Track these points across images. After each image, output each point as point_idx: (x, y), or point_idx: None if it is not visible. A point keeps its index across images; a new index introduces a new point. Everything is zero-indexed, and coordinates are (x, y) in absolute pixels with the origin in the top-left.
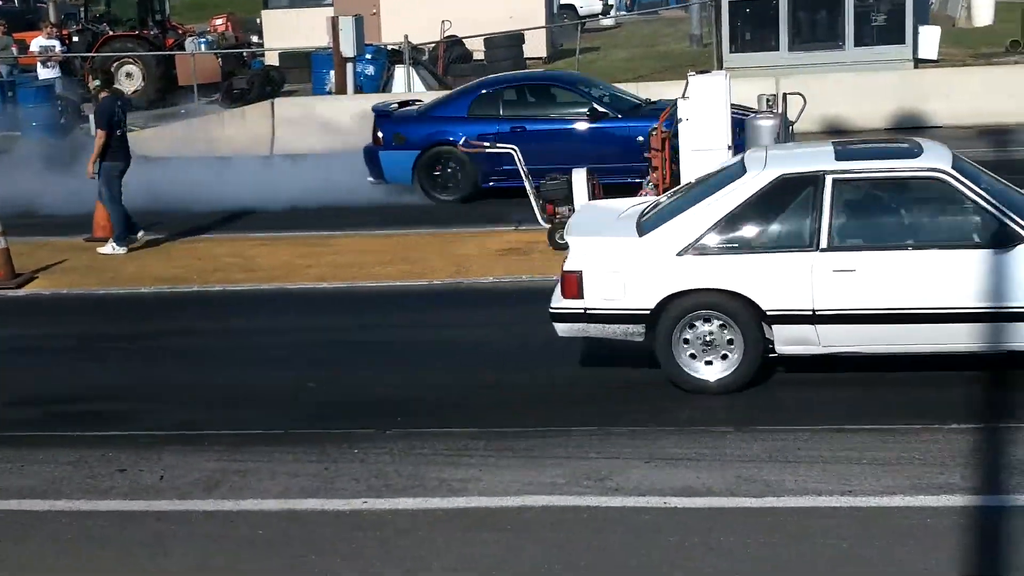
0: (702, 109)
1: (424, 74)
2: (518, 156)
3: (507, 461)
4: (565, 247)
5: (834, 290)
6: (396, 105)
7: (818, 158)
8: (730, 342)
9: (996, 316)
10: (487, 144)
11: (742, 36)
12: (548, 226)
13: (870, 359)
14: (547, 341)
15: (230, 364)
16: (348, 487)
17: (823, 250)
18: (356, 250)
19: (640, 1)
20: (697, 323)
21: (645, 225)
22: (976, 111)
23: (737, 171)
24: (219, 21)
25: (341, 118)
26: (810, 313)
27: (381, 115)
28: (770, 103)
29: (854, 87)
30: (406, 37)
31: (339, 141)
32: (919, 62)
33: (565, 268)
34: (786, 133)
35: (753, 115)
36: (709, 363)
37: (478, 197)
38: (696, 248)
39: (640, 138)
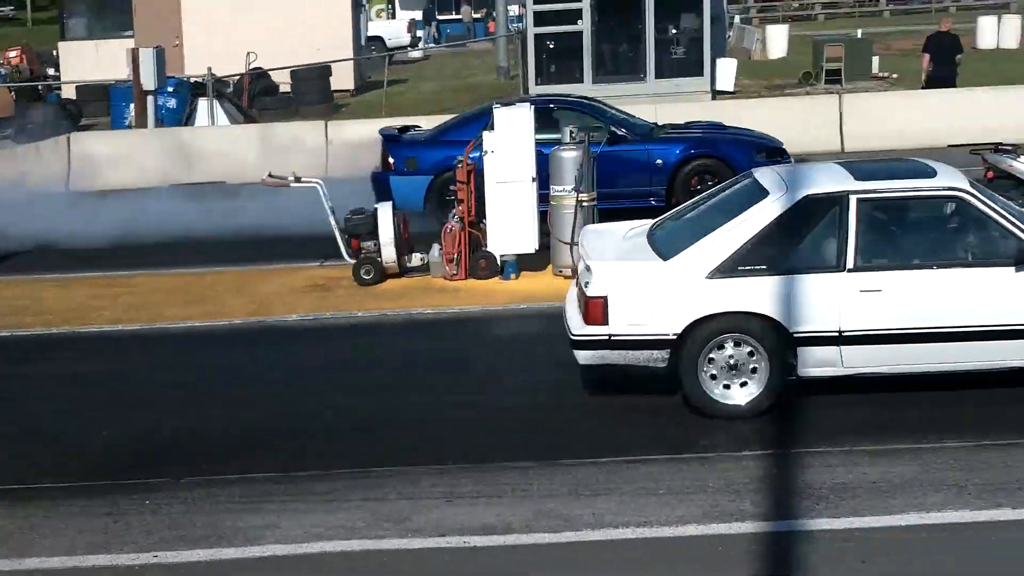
0: (507, 141)
1: (228, 107)
2: (323, 191)
3: (307, 505)
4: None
5: (860, 311)
6: (397, 130)
7: (836, 178)
8: (753, 369)
9: (1021, 333)
10: (290, 179)
11: (548, 68)
12: (353, 261)
13: (888, 379)
14: (346, 378)
15: (18, 413)
16: (139, 540)
17: (850, 271)
18: (154, 290)
19: (448, 33)
20: (725, 347)
21: (665, 248)
22: None
23: (754, 192)
24: (13, 53)
25: (140, 152)
26: (836, 335)
27: (390, 139)
28: (573, 135)
29: (655, 118)
30: (209, 69)
31: (139, 176)
32: (717, 93)
33: (589, 294)
34: (589, 164)
35: (557, 146)
36: (728, 387)
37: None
38: (724, 271)
39: (660, 161)
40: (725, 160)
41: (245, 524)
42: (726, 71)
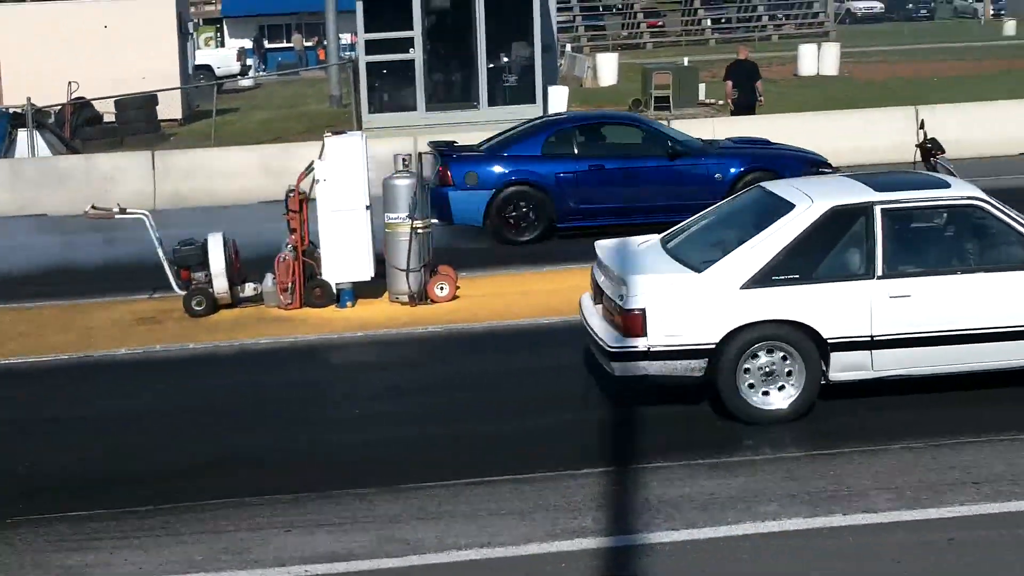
0: (339, 169)
1: (50, 138)
2: (150, 222)
3: (141, 541)
4: (203, 314)
5: (891, 316)
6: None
7: (855, 190)
8: (788, 372)
9: None
10: (115, 210)
11: (380, 97)
12: (183, 292)
13: (917, 380)
14: (179, 413)
15: None
16: None
17: (879, 277)
18: None
19: (279, 61)
20: (759, 355)
21: (694, 261)
22: None
23: (776, 205)
24: None
25: None
26: (868, 339)
27: (446, 155)
28: (406, 162)
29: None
30: (29, 99)
31: None
32: None
33: (628, 307)
34: (423, 192)
35: (389, 175)
36: (767, 393)
37: (546, 237)
38: (759, 281)
39: (719, 175)
40: (779, 173)
41: (75, 562)
42: (558, 98)
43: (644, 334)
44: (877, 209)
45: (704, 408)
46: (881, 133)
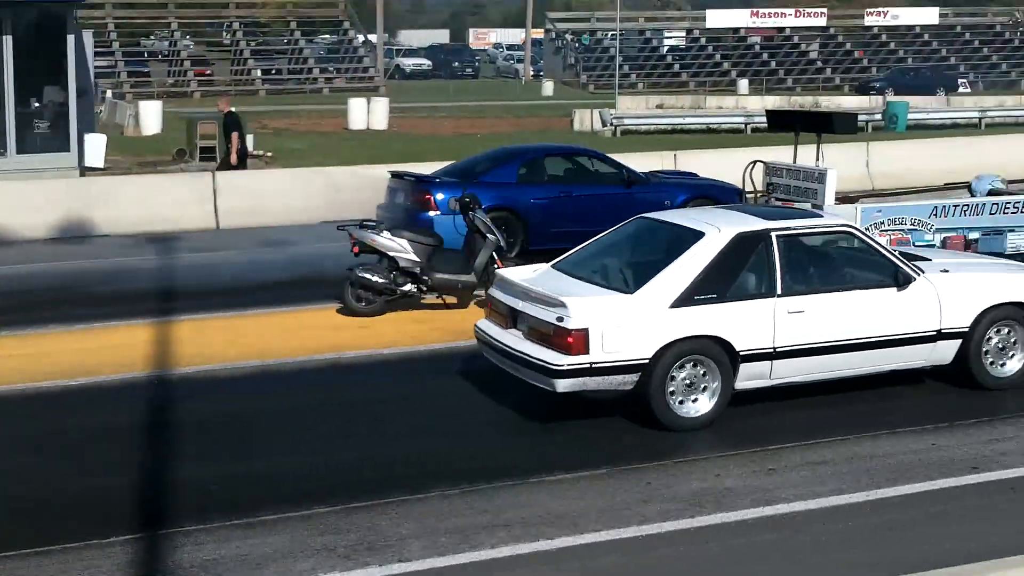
0: None
1: None
2: None
3: None
4: None
5: (789, 330)
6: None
7: (750, 220)
8: (704, 387)
9: (904, 341)
10: None
11: None
12: None
13: (802, 387)
14: None
15: None
16: None
17: (779, 296)
18: None
19: None
20: (684, 367)
21: (617, 283)
22: (141, 219)
23: (684, 233)
24: None
25: None
26: (771, 351)
27: (425, 181)
28: None
29: (18, 195)
30: None
31: None
32: (86, 170)
33: (570, 327)
34: None
35: None
36: (691, 401)
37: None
38: (684, 301)
39: (668, 202)
40: (717, 200)
41: None
42: (95, 147)
43: (587, 351)
44: (773, 235)
45: (241, 467)
46: None
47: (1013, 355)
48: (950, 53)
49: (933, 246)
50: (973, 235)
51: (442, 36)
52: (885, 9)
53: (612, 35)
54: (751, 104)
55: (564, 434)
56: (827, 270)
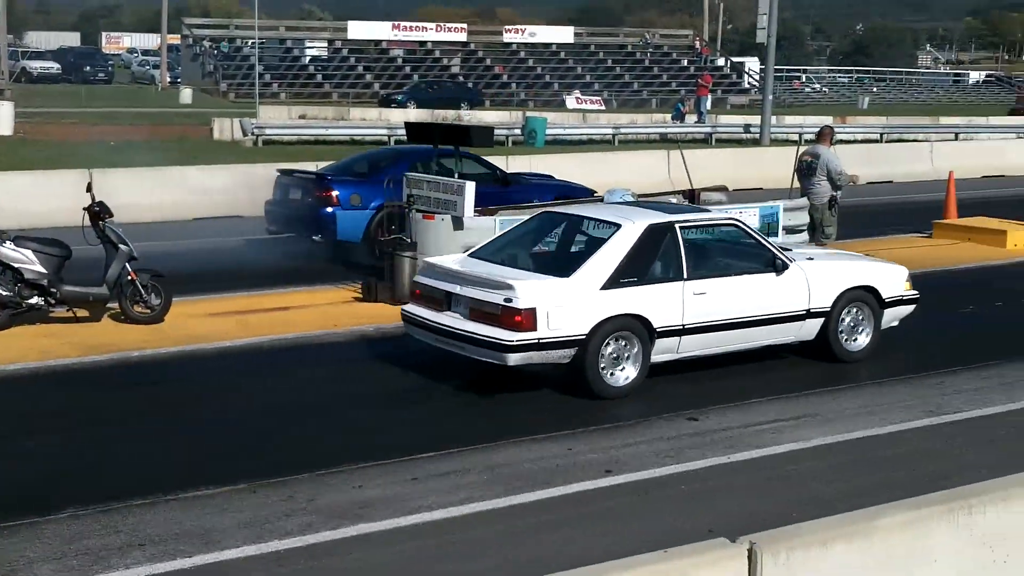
0: None
1: None
2: None
3: None
4: None
5: (694, 309)
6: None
7: (652, 213)
8: (628, 358)
9: (783, 319)
10: None
11: None
12: None
13: (701, 359)
14: None
15: None
16: None
17: (685, 279)
18: None
19: None
20: (611, 342)
21: (546, 269)
22: None
23: (602, 225)
24: None
25: None
26: (680, 327)
27: (324, 178)
28: None
29: None
30: None
31: None
32: None
33: (520, 306)
34: None
35: None
36: (616, 373)
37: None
38: (612, 283)
39: (537, 199)
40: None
41: None
42: None
43: (535, 328)
44: (677, 226)
45: None
46: (54, 196)
47: (862, 332)
48: (584, 71)
49: None
50: None
51: (72, 39)
52: (523, 27)
53: (252, 43)
54: (394, 116)
55: (203, 448)
56: (721, 257)
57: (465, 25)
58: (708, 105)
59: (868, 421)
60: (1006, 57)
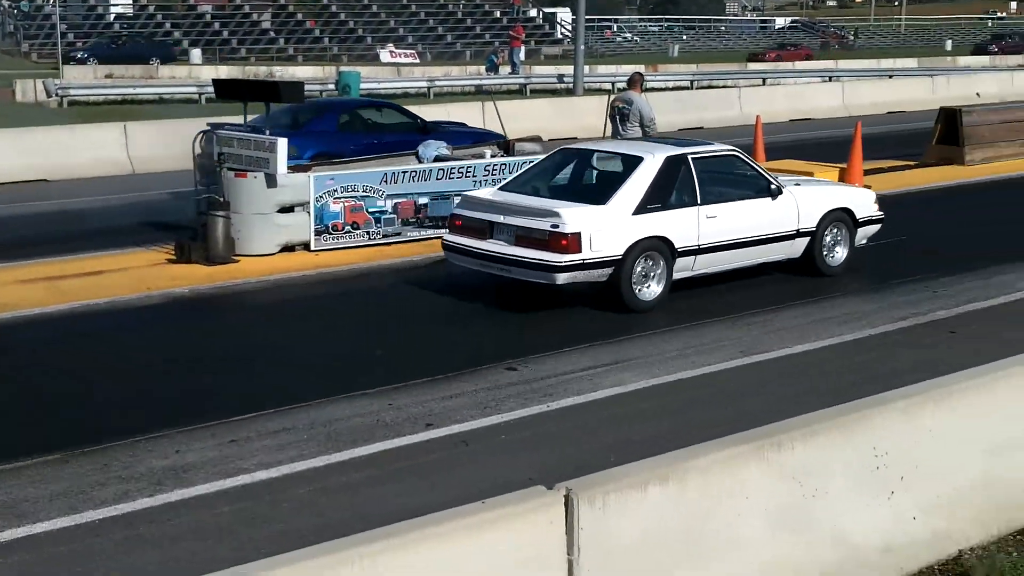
0: None
1: None
2: None
3: None
4: None
5: (707, 231)
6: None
7: (667, 147)
8: (655, 276)
9: (777, 239)
10: None
11: None
12: None
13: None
14: None
15: None
16: None
17: (699, 204)
18: None
19: None
20: (641, 261)
21: (581, 198)
22: None
23: (627, 158)
24: None
25: None
26: (696, 247)
27: (254, 130)
28: None
29: None
30: None
31: None
32: None
33: (567, 231)
34: None
35: None
36: (647, 288)
37: None
38: (641, 209)
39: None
40: (488, 143)
41: None
42: None
43: (580, 251)
44: (690, 158)
45: None
46: None
47: (839, 248)
48: (398, 24)
49: (385, 212)
50: (423, 200)
51: None
52: None
53: (53, 2)
54: (204, 74)
55: (12, 419)
56: (726, 185)
57: None
58: (522, 56)
59: (683, 363)
60: (810, 3)
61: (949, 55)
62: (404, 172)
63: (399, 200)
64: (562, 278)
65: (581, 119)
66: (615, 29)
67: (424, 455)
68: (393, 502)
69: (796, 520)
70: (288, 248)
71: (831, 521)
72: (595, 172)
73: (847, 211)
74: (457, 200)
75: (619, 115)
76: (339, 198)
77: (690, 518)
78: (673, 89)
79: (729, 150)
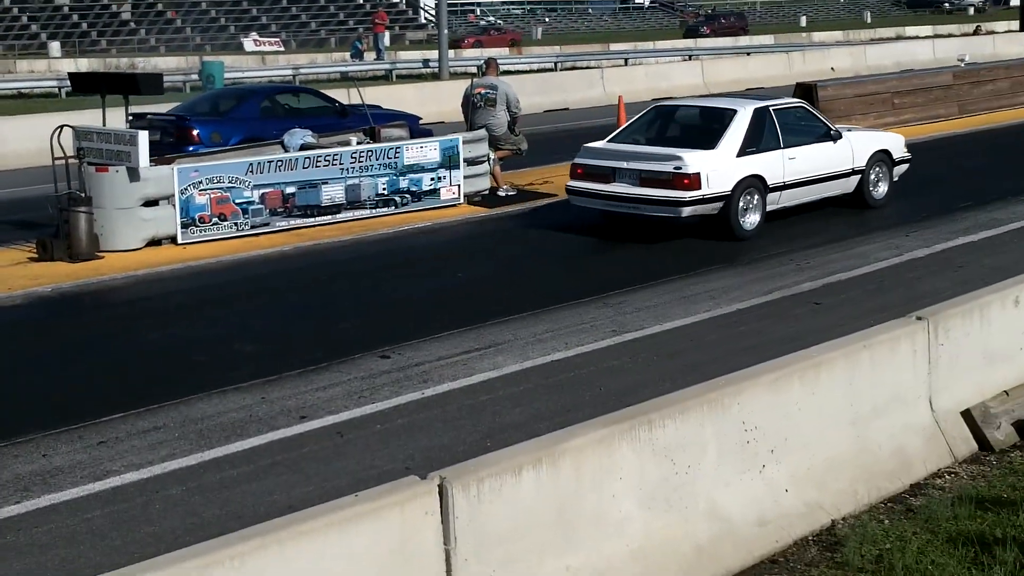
0: None
1: None
2: None
3: None
4: None
5: (789, 170)
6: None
7: (751, 101)
8: (754, 208)
9: (838, 176)
10: None
11: None
12: None
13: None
14: None
15: None
16: None
17: (781, 148)
18: None
19: None
20: (743, 197)
21: (689, 144)
22: None
23: (720, 111)
24: None
25: None
26: (781, 184)
27: (181, 118)
28: None
29: None
30: None
31: None
32: None
33: (688, 172)
34: None
35: None
36: (745, 221)
37: None
38: (741, 153)
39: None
40: (407, 123)
41: None
42: None
43: (700, 188)
44: (771, 109)
45: None
46: None
47: (881, 184)
48: (260, 12)
49: (252, 202)
50: (290, 189)
51: None
52: None
53: None
54: (64, 67)
55: None
56: (798, 131)
57: None
58: (386, 42)
59: (556, 345)
60: None
61: (804, 31)
62: (270, 161)
63: (266, 190)
64: (686, 211)
65: (447, 103)
66: (478, 12)
67: (299, 448)
68: (267, 499)
69: (669, 498)
70: (154, 242)
71: (705, 496)
72: (694, 123)
73: (887, 152)
74: (579, 151)
75: (484, 100)
76: (204, 190)
77: (564, 500)
78: (538, 71)
79: (798, 102)
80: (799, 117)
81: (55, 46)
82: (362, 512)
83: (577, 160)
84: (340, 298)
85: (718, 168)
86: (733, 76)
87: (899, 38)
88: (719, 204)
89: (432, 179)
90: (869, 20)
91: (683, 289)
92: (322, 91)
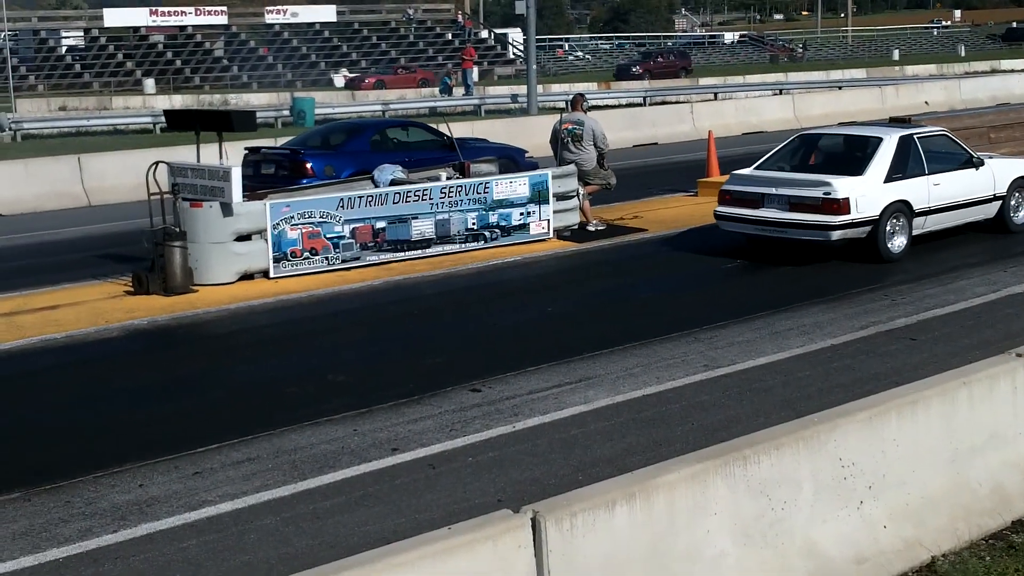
0: None
1: None
2: None
3: None
4: None
5: (934, 195)
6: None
7: (895, 130)
8: (900, 232)
9: (980, 202)
10: None
11: None
12: None
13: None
14: None
15: None
16: None
17: (927, 175)
18: None
19: None
20: (890, 221)
21: (837, 171)
22: None
23: (866, 138)
24: None
25: None
26: (927, 209)
27: (295, 152)
28: None
29: None
30: None
31: None
32: None
33: (839, 197)
34: None
35: None
36: (892, 244)
37: None
38: (889, 178)
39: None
40: (512, 159)
41: None
42: None
43: (849, 212)
44: (915, 137)
45: None
46: None
47: (1021, 209)
48: (350, 49)
49: (343, 237)
50: (380, 224)
51: None
52: (284, 7)
53: (2, 35)
54: (159, 103)
55: None
56: (942, 158)
57: (225, 7)
58: (475, 77)
59: (647, 379)
60: (757, 17)
61: (896, 64)
62: (360, 197)
63: (356, 225)
64: (836, 235)
65: (536, 138)
66: (566, 48)
67: (391, 480)
68: (359, 530)
69: (765, 534)
70: (247, 276)
71: (801, 533)
72: (839, 151)
73: None
74: (728, 179)
75: (570, 137)
76: (296, 224)
77: (658, 536)
78: (626, 106)
79: (940, 130)
80: (942, 144)
81: (150, 83)
82: (455, 545)
83: (725, 187)
84: (430, 332)
85: (866, 193)
86: (825, 110)
87: (994, 71)
88: (867, 228)
89: (521, 214)
90: (963, 54)
91: (774, 324)
92: (432, 125)
